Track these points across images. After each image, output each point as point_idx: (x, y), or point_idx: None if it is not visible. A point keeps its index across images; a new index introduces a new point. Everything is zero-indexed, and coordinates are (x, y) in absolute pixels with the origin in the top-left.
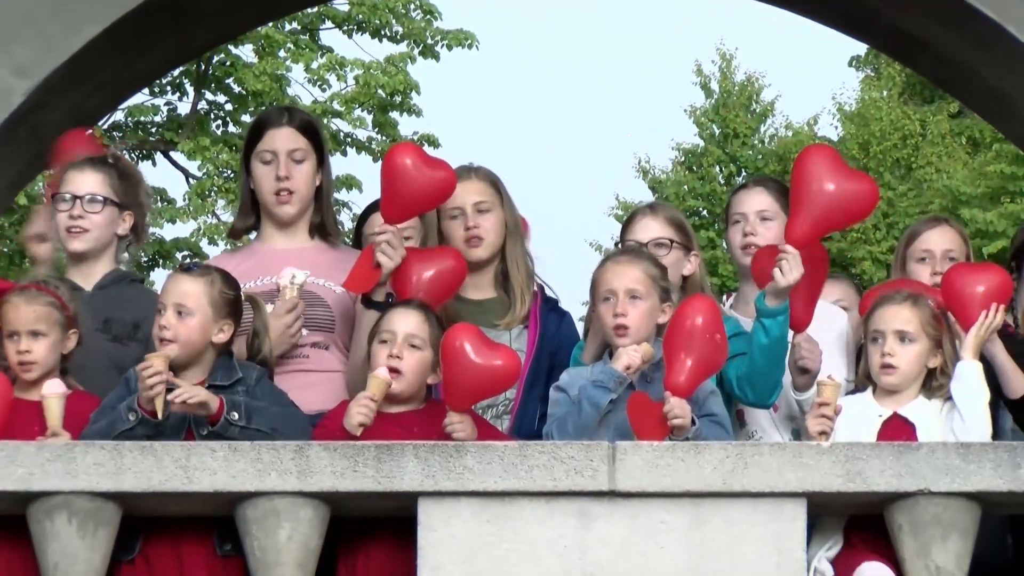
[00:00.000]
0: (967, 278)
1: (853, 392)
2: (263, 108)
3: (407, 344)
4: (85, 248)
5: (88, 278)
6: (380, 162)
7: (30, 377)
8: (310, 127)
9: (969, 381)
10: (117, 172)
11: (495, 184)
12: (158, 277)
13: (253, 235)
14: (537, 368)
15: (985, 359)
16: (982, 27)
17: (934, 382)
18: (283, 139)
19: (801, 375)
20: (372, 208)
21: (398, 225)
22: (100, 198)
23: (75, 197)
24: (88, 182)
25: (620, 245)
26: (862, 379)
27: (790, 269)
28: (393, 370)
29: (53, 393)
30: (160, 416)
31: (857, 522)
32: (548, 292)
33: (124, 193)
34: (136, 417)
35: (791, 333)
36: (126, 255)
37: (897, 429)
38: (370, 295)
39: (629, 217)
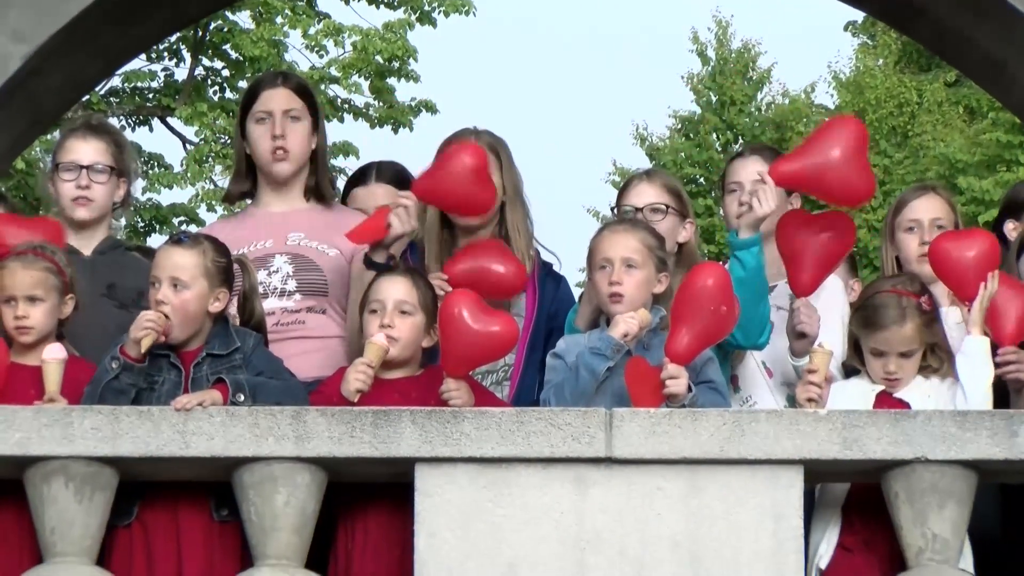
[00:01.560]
0: (956, 248)
1: (848, 376)
2: (260, 74)
3: (397, 311)
4: (91, 216)
5: (87, 244)
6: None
7: (27, 341)
8: (305, 89)
9: (975, 356)
10: (113, 139)
11: (495, 149)
12: (155, 243)
13: (248, 202)
14: (536, 334)
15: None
16: None
17: (924, 362)
18: (279, 99)
19: (799, 339)
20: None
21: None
22: (105, 167)
23: (81, 167)
24: (92, 151)
25: (616, 211)
26: (852, 360)
27: (766, 199)
28: (387, 338)
29: (53, 358)
30: (143, 349)
31: (854, 502)
32: (545, 255)
33: (120, 160)
34: (119, 363)
35: (791, 299)
36: (122, 221)
37: (892, 404)
38: (372, 256)
39: (625, 183)
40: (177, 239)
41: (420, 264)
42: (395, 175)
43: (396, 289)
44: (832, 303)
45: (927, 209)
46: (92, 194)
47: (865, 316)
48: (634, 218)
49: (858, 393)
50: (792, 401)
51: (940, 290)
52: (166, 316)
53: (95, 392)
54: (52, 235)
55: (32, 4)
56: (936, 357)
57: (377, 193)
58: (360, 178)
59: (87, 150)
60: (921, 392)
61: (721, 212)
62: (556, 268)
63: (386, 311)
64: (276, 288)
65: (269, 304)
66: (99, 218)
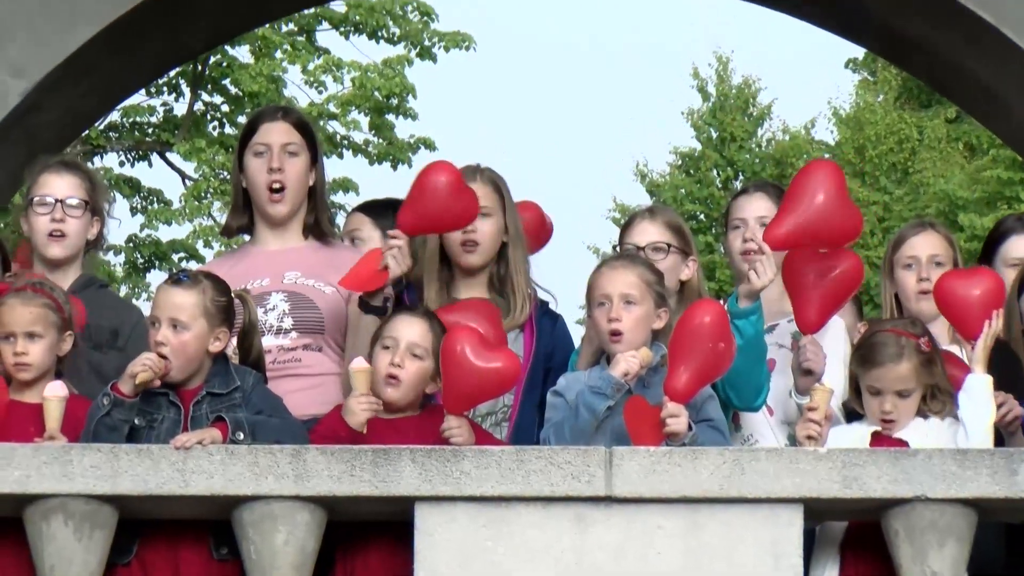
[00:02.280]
0: (961, 286)
1: (848, 417)
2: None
3: (409, 352)
4: (65, 254)
5: (61, 282)
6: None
7: (26, 378)
8: (304, 124)
9: (978, 395)
10: (87, 176)
11: (498, 188)
12: (155, 279)
13: (246, 238)
14: (534, 373)
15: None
16: (975, 27)
17: (924, 405)
18: (277, 132)
19: (804, 376)
20: (259, 118)
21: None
22: (80, 201)
23: (56, 201)
24: (67, 185)
25: (618, 249)
26: (853, 404)
27: (764, 271)
28: (391, 377)
29: (54, 395)
30: (136, 382)
31: (853, 539)
32: (540, 294)
33: (94, 198)
34: (110, 400)
35: (792, 336)
36: (120, 257)
37: (890, 442)
38: (368, 299)
39: (627, 221)
40: (176, 279)
41: (417, 303)
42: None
43: (412, 330)
44: (835, 343)
45: (925, 246)
46: (66, 228)
47: (863, 354)
48: (632, 254)
49: (857, 437)
50: (793, 440)
51: (939, 328)
52: (164, 357)
53: (89, 429)
54: None
55: (31, 38)
56: (938, 401)
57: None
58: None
59: (61, 184)
60: (919, 433)
61: (722, 249)
62: (552, 307)
63: (398, 350)
64: (272, 326)
65: (266, 342)
66: (73, 256)
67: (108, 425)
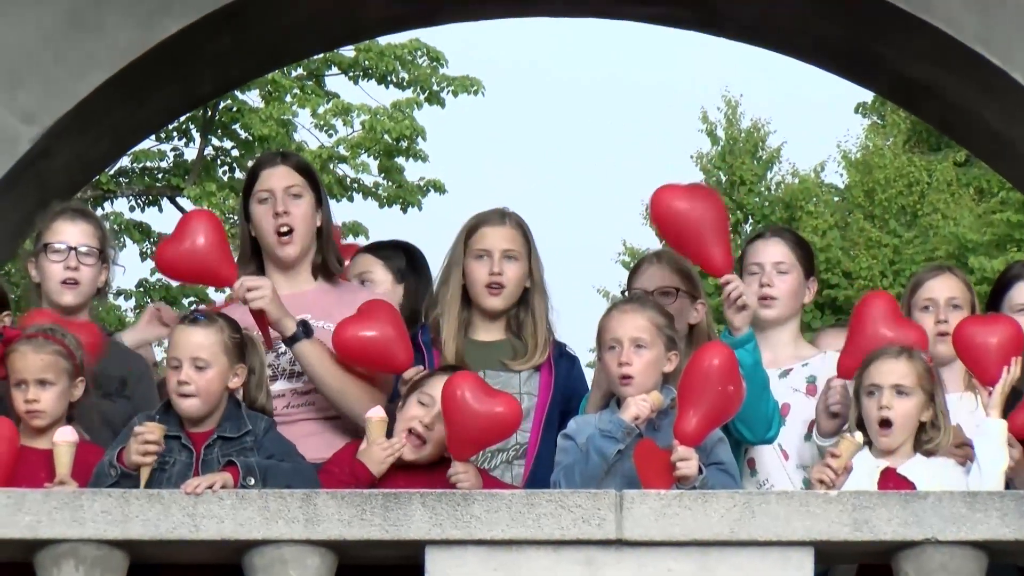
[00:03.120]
0: (980, 332)
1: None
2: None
3: (441, 416)
4: (77, 301)
5: None
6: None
7: (38, 425)
8: (305, 166)
9: (994, 438)
10: (98, 224)
11: (525, 234)
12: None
13: None
14: (552, 412)
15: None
16: (987, 73)
17: (924, 436)
18: (279, 177)
19: (830, 419)
20: (261, 164)
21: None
22: (93, 249)
23: (70, 248)
24: (80, 232)
25: (627, 293)
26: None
27: (747, 295)
28: (418, 436)
29: (64, 440)
30: (142, 484)
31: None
32: (556, 337)
33: (105, 245)
34: (116, 472)
35: (820, 378)
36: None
37: (897, 482)
38: (282, 332)
39: (636, 265)
40: (193, 318)
41: (432, 343)
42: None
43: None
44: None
45: (943, 288)
46: (80, 276)
47: (862, 364)
48: (642, 297)
49: (864, 471)
50: (809, 484)
51: (955, 375)
52: (187, 396)
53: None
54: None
55: (42, 85)
56: (935, 428)
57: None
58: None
59: (75, 232)
60: (928, 474)
61: None
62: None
63: (432, 412)
64: (285, 370)
65: (280, 386)
66: (83, 303)
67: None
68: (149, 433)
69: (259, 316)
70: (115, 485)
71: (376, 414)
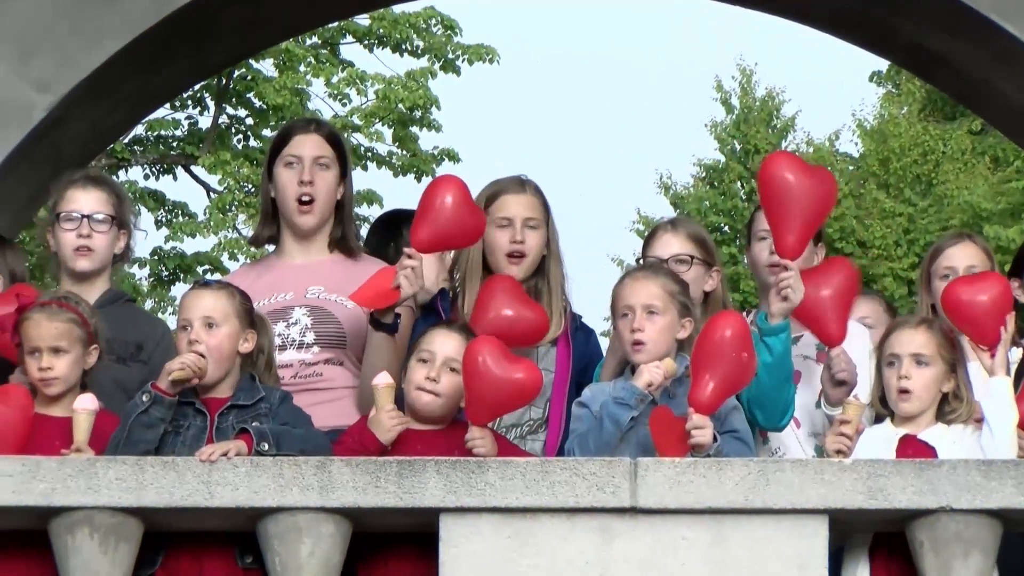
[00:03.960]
0: (968, 292)
1: (874, 422)
2: (284, 122)
3: (446, 367)
4: (92, 267)
5: (87, 296)
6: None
7: (52, 392)
8: (336, 138)
9: (1001, 397)
10: (113, 190)
11: (544, 203)
12: (178, 291)
13: (271, 248)
14: (571, 387)
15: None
16: (1002, 42)
17: (947, 407)
18: (311, 145)
19: (836, 387)
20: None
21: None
22: (107, 216)
23: (83, 216)
24: (93, 200)
25: (641, 261)
26: (877, 406)
27: (795, 289)
28: (426, 390)
29: (84, 408)
30: (173, 392)
31: (881, 540)
32: (572, 307)
33: (120, 211)
34: (150, 396)
35: (825, 348)
36: (147, 269)
37: (916, 448)
38: (379, 317)
39: (650, 233)
40: (205, 283)
41: (452, 312)
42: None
43: (449, 345)
44: (861, 350)
45: (962, 257)
46: (93, 243)
47: (885, 332)
48: (655, 264)
49: (882, 438)
50: (821, 452)
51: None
52: (202, 356)
53: (124, 427)
54: None
55: (56, 53)
56: (957, 399)
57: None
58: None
59: (88, 200)
60: (947, 440)
61: (745, 260)
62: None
63: (435, 364)
64: (295, 340)
65: (288, 356)
66: (99, 269)
67: (145, 423)
68: (187, 357)
69: (384, 281)
70: (143, 415)
71: (383, 380)
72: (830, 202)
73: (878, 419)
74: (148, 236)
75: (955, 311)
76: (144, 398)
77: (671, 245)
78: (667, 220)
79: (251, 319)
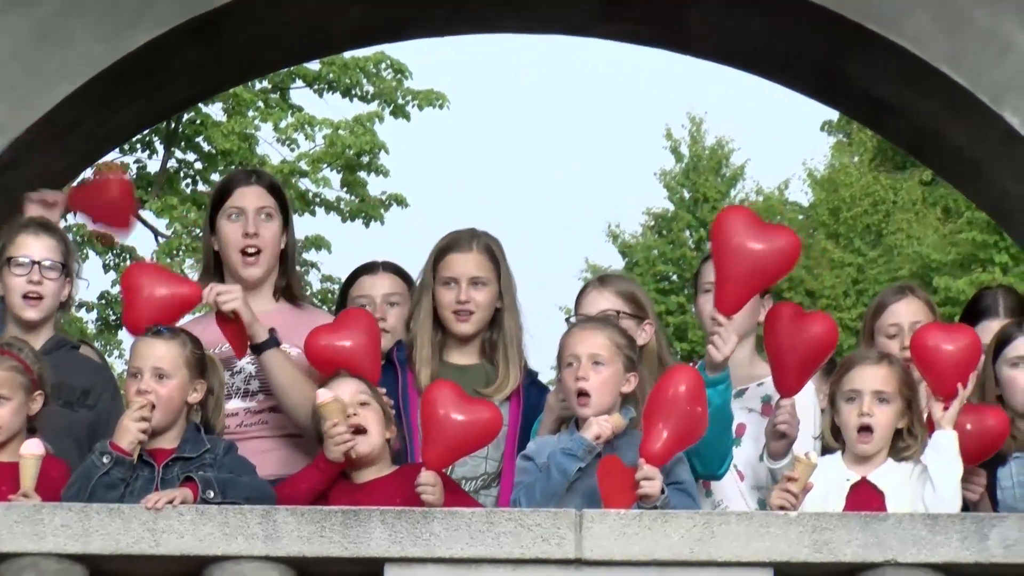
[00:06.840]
0: (939, 342)
1: (822, 453)
2: (232, 167)
3: (356, 403)
4: (40, 316)
5: (34, 343)
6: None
7: None
8: (277, 188)
9: (946, 452)
10: (62, 238)
11: (494, 257)
12: (126, 336)
13: None
14: (522, 443)
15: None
16: (954, 93)
17: (900, 443)
18: (253, 196)
19: (777, 440)
20: (360, 271)
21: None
22: (55, 263)
23: (34, 262)
24: (44, 247)
25: (572, 320)
26: (828, 438)
27: (723, 342)
28: (358, 430)
29: (31, 453)
30: (133, 454)
31: None
32: (528, 365)
33: (68, 259)
34: (111, 458)
35: (775, 397)
36: (94, 313)
37: (866, 495)
38: (253, 340)
39: (580, 291)
40: (156, 331)
41: (407, 361)
42: (398, 269)
43: (348, 387)
44: (805, 409)
45: (908, 313)
46: (43, 290)
47: (840, 369)
48: (604, 316)
49: (834, 481)
50: (763, 505)
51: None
52: (153, 406)
53: (86, 488)
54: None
55: (10, 96)
56: (912, 436)
57: (382, 283)
58: (367, 268)
59: (39, 246)
60: (898, 479)
61: (693, 310)
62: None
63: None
64: (240, 388)
65: (233, 404)
66: (47, 317)
67: (107, 484)
68: (142, 407)
69: (228, 324)
70: (105, 476)
71: (325, 396)
72: (785, 266)
73: (827, 449)
74: (95, 280)
75: (922, 357)
76: (105, 460)
77: (598, 302)
78: (596, 278)
79: (201, 367)
